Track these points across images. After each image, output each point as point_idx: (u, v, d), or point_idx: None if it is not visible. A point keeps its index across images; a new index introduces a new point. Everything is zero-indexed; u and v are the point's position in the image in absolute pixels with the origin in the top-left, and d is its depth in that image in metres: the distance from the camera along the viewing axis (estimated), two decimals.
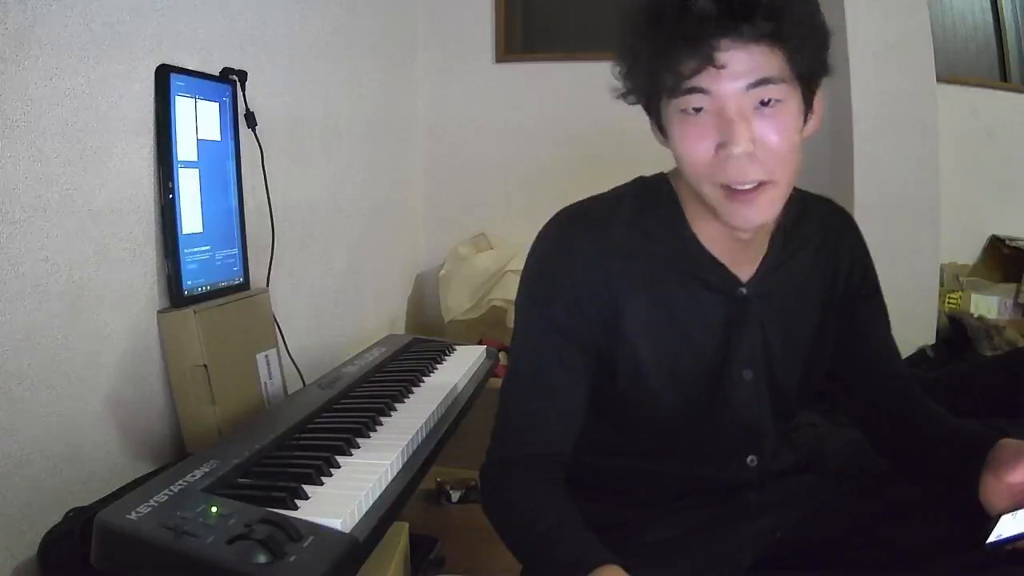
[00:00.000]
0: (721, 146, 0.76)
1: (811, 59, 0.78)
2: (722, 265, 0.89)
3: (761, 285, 0.90)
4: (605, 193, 0.93)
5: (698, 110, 0.77)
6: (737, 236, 0.86)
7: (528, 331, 0.90)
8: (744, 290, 0.89)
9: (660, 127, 0.84)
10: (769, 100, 0.76)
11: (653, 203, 0.91)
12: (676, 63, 0.75)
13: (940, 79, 2.49)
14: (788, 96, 0.77)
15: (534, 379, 0.88)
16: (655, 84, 0.79)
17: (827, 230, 0.97)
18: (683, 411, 0.91)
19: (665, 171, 0.93)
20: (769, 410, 0.93)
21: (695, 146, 0.78)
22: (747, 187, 0.77)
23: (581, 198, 0.93)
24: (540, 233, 0.91)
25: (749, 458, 0.94)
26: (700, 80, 0.75)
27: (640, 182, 0.94)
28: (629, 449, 0.95)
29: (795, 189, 0.88)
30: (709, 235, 0.88)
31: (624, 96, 0.85)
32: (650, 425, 0.92)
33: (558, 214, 0.91)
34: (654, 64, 0.77)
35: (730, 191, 0.78)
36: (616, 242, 0.88)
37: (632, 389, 0.89)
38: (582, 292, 0.86)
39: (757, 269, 0.90)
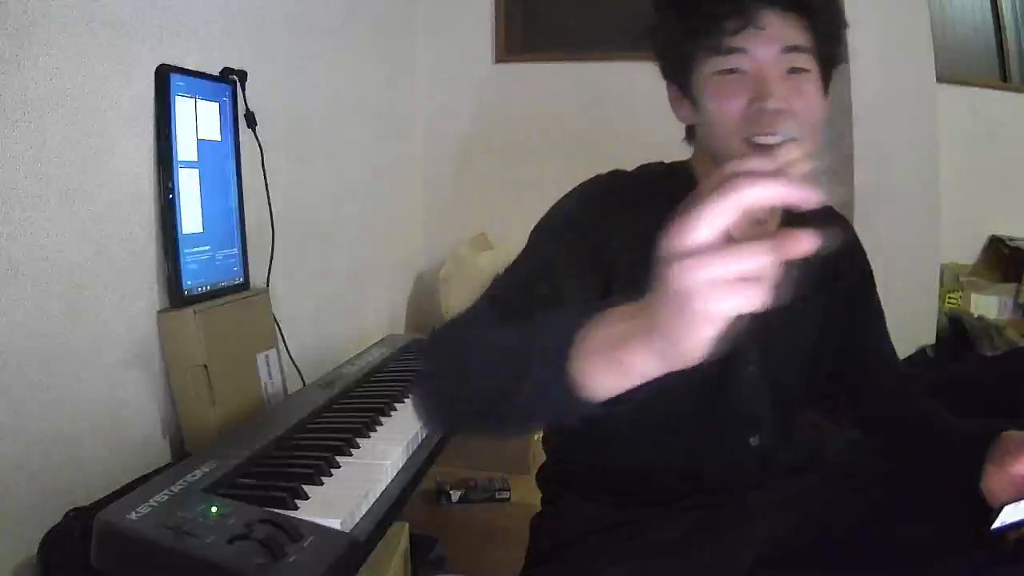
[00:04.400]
0: (755, 100, 0.80)
1: (833, 40, 0.85)
2: None
3: None
4: (631, 172, 0.93)
5: (733, 71, 0.81)
6: (755, 216, 0.87)
7: (532, 244, 0.85)
8: None
9: (688, 97, 0.87)
10: (798, 69, 0.82)
11: (670, 188, 0.92)
12: (720, 22, 0.80)
13: (940, 79, 2.49)
14: (813, 69, 0.83)
15: (530, 273, 0.80)
16: (696, 43, 0.82)
17: (830, 226, 0.98)
18: (684, 393, 0.90)
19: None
20: (768, 402, 0.94)
21: (728, 102, 0.81)
22: (776, 142, 0.79)
23: None
24: (568, 193, 0.90)
25: (752, 439, 0.94)
26: (741, 40, 0.80)
27: (664, 165, 0.95)
28: (632, 443, 0.95)
29: None
30: None
31: (661, 58, 0.87)
32: (652, 410, 0.91)
33: (583, 185, 0.90)
34: (698, 23, 0.81)
35: (759, 147, 0.80)
36: (645, 221, 0.88)
37: None
38: (600, 245, 0.84)
39: None
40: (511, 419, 0.63)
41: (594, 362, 0.51)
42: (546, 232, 0.87)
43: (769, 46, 0.80)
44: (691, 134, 0.93)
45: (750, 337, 0.91)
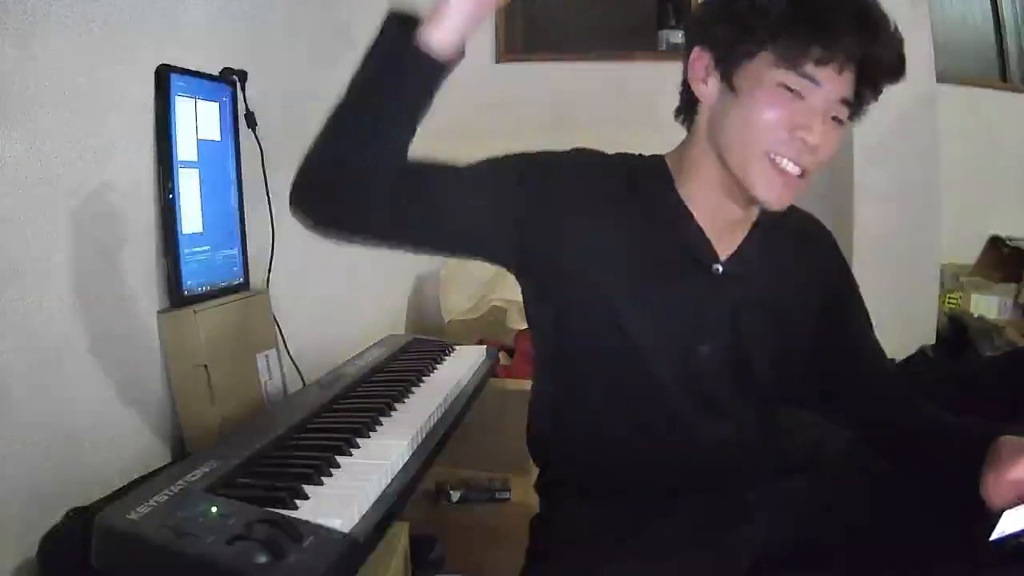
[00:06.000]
0: (797, 127, 0.85)
1: (864, 109, 0.91)
2: (706, 237, 0.93)
3: (737, 265, 0.94)
4: (612, 155, 0.97)
5: (794, 92, 0.84)
6: (731, 216, 0.93)
7: (476, 163, 0.96)
8: (720, 267, 0.93)
9: (725, 79, 0.88)
10: (837, 119, 0.88)
11: (646, 171, 0.96)
12: (813, 47, 0.82)
13: (940, 79, 2.49)
14: (844, 122, 0.89)
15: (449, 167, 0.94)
16: (784, 50, 0.83)
17: (807, 234, 1.03)
18: (671, 388, 0.93)
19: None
20: (732, 386, 0.95)
21: (775, 114, 0.85)
22: (794, 170, 0.86)
23: None
24: (552, 151, 0.95)
25: (740, 432, 0.95)
26: (819, 73, 0.84)
27: (643, 157, 0.98)
28: (624, 438, 0.95)
29: None
30: (698, 211, 0.93)
31: (727, 33, 0.87)
32: (629, 371, 0.94)
33: (575, 151, 0.96)
34: (798, 34, 0.83)
35: (777, 168, 0.85)
36: (606, 190, 0.93)
37: (612, 341, 0.92)
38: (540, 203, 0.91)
39: (735, 250, 0.95)
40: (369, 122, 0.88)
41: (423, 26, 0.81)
42: (493, 163, 0.94)
43: (835, 91, 0.85)
44: (688, 108, 0.94)
45: (747, 335, 0.92)
